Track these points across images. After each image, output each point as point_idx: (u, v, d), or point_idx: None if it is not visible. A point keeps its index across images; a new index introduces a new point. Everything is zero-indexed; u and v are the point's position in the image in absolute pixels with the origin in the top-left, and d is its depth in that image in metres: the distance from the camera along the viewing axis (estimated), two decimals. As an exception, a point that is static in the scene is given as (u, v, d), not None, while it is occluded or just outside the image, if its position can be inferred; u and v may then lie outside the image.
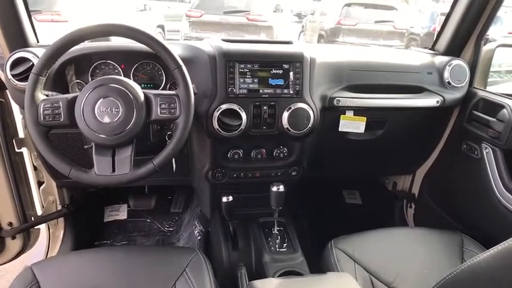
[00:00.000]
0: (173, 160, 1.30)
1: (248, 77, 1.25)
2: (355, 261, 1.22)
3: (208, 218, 1.77)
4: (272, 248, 1.44)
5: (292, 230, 1.54)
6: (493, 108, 1.39)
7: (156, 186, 2.04)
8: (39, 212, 1.58)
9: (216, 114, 1.22)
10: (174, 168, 1.35)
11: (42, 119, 0.98)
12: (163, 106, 1.03)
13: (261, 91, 1.26)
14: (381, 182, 2.12)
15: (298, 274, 1.32)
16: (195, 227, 1.92)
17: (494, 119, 1.37)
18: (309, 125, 1.29)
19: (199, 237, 1.85)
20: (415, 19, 9.17)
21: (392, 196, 2.03)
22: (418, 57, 1.58)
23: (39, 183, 1.59)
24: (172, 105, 1.03)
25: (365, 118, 1.45)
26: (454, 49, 1.58)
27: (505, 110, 1.33)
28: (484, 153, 1.42)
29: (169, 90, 1.34)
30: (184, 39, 6.97)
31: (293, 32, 10.59)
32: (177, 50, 1.12)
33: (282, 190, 1.34)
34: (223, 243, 1.54)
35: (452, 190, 1.64)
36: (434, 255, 1.25)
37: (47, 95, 1.03)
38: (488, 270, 0.58)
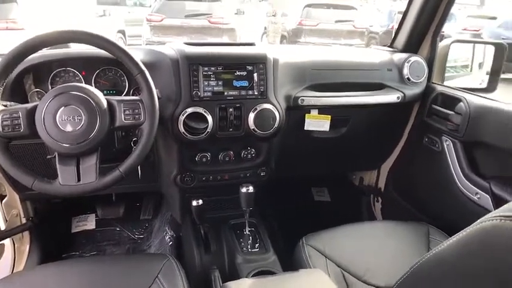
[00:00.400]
0: (138, 167, 1.28)
1: (212, 80, 1.25)
2: (327, 257, 1.23)
3: (179, 222, 1.75)
4: (244, 249, 1.44)
5: (264, 230, 1.55)
6: (451, 101, 1.45)
7: (123, 194, 2.00)
8: (2, 226, 1.52)
9: (182, 118, 1.21)
10: (140, 175, 1.33)
11: (1, 130, 0.95)
12: (127, 112, 1.02)
13: (225, 93, 1.26)
14: (348, 178, 2.17)
15: (271, 273, 1.33)
16: (165, 233, 1.89)
17: (452, 112, 1.42)
18: (275, 125, 1.30)
19: (170, 243, 1.83)
20: (374, 18, 9.44)
21: (360, 191, 2.07)
22: (378, 55, 1.62)
23: (1, 197, 1.52)
24: (137, 110, 1.02)
25: (329, 116, 1.48)
26: (411, 46, 1.63)
27: (462, 103, 1.38)
28: (445, 145, 1.47)
29: (132, 95, 1.33)
30: (146, 44, 6.87)
31: (256, 34, 10.66)
32: (138, 55, 1.11)
33: (252, 191, 1.35)
34: (195, 247, 1.53)
35: (416, 183, 1.70)
36: (403, 247, 1.29)
37: (5, 106, 1.00)
38: (452, 258, 0.61)
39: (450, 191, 1.42)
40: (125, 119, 1.02)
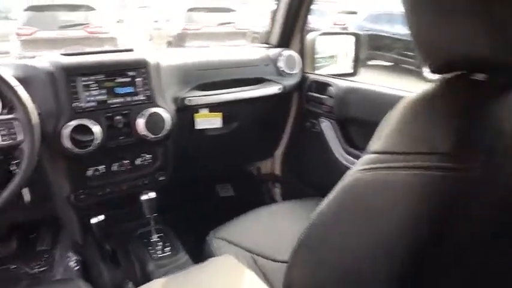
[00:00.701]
0: (26, 190, 1.20)
1: (94, 89, 1.22)
2: (236, 245, 1.27)
3: (81, 244, 1.66)
4: (154, 255, 1.43)
5: (172, 233, 1.55)
6: (323, 87, 1.63)
7: (15, 226, 1.83)
8: None
9: (66, 132, 1.16)
10: (28, 199, 1.24)
11: None
12: (2, 133, 0.95)
13: (110, 101, 1.24)
14: (247, 171, 2.27)
15: None
16: (69, 259, 1.78)
17: (325, 96, 1.60)
18: (166, 128, 1.31)
19: (77, 267, 1.72)
20: (257, 19, 9.81)
21: (260, 181, 2.18)
22: (256, 52, 1.73)
23: None
24: (13, 130, 0.96)
25: (220, 113, 1.54)
26: (284, 41, 1.77)
27: (331, 88, 1.57)
28: (322, 126, 1.64)
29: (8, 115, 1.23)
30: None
31: (140, 41, 10.38)
32: (8, 72, 1.04)
33: (153, 197, 1.35)
34: (103, 265, 1.47)
35: (306, 163, 1.86)
36: (302, 223, 1.39)
37: None
38: (331, 216, 0.69)
39: (333, 165, 1.59)
40: (1, 140, 0.95)
